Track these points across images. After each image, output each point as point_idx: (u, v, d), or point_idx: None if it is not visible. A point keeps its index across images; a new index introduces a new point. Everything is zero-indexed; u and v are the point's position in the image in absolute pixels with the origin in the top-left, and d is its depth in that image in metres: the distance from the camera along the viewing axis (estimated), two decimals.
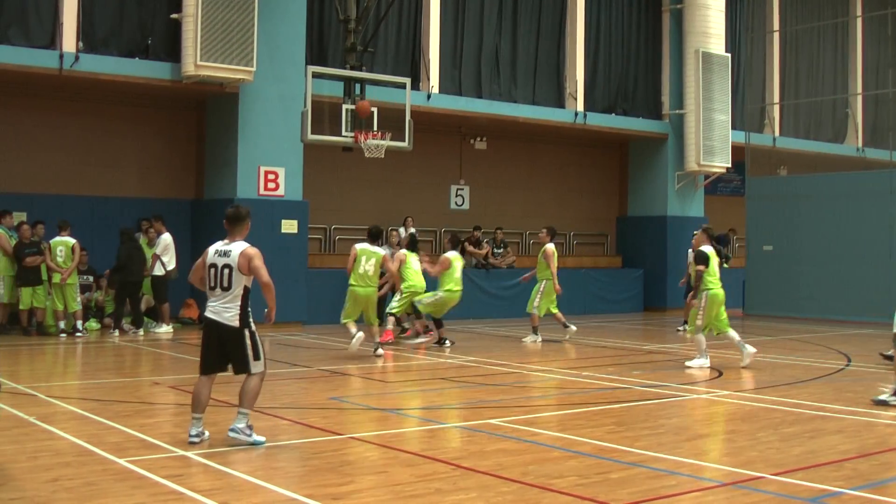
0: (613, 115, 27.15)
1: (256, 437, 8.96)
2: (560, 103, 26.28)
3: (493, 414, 11.01)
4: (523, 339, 19.29)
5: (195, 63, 19.41)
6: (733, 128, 28.16)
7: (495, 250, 25.58)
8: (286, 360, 15.60)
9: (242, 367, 9.13)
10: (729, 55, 27.68)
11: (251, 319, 9.14)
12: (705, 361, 15.41)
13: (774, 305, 26.91)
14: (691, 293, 16.37)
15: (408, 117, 21.94)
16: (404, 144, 21.94)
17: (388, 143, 21.58)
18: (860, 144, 32.58)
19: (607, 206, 29.46)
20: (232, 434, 8.94)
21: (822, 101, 31.62)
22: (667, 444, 9.69)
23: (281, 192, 21.27)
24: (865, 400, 12.28)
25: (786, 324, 24.54)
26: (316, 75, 21.19)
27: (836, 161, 31.77)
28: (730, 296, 27.88)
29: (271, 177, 21.22)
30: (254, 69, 20.08)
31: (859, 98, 32.58)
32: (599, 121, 26.69)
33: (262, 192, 21.00)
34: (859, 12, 32.54)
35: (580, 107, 26.32)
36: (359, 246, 16.19)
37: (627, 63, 27.86)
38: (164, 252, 19.84)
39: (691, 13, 27.32)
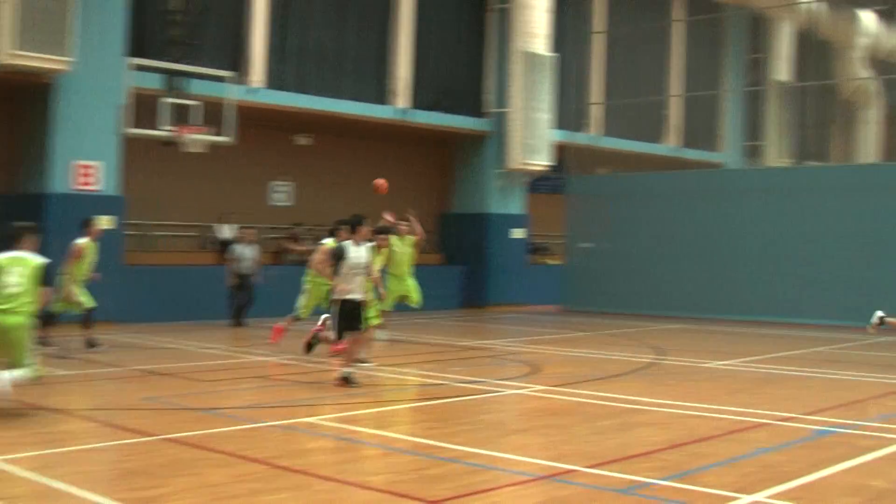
0: (437, 112, 27.27)
1: None
2: (384, 100, 26.27)
3: (310, 412, 10.91)
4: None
5: (9, 52, 18.63)
6: (555, 127, 28.63)
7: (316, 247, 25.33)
8: (99, 360, 15.14)
9: None
10: (553, 55, 28.11)
11: None
12: None
13: (591, 301, 27.50)
14: None
15: (230, 112, 21.59)
16: (227, 139, 21.58)
17: (209, 137, 21.16)
18: (676, 144, 33.56)
19: (430, 203, 29.57)
20: None
21: (642, 101, 32.46)
22: (484, 439, 9.76)
23: (97, 186, 20.62)
24: (672, 392, 12.65)
25: (602, 319, 25.08)
26: (136, 67, 20.63)
27: (654, 160, 32.67)
28: (547, 291, 28.74)
29: (87, 171, 20.54)
30: (71, 59, 19.39)
31: (677, 99, 33.56)
32: (423, 118, 26.78)
33: (76, 186, 20.31)
34: (679, 17, 33.51)
35: (404, 103, 26.36)
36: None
37: (452, 61, 28.04)
38: None
39: (517, 13, 27.63)
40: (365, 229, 13.30)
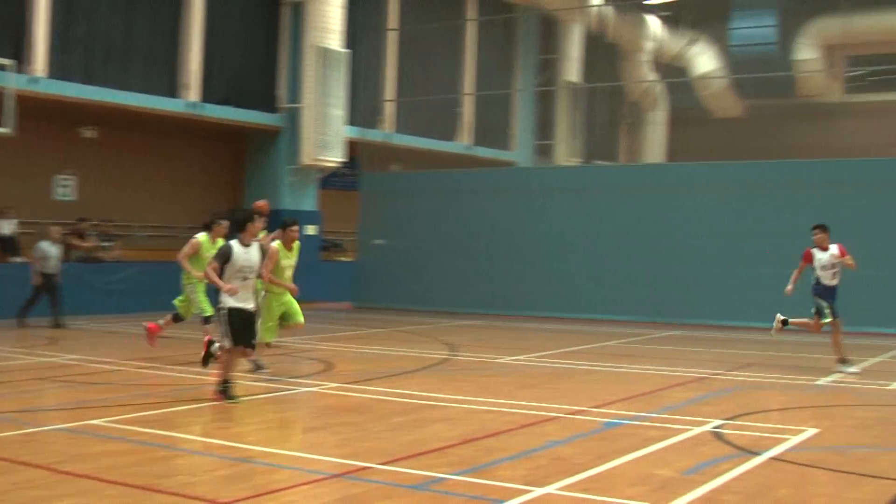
0: (229, 106, 26.77)
1: None
2: (175, 93, 25.60)
3: (97, 414, 10.49)
4: None
5: None
6: (349, 123, 28.53)
7: (102, 243, 24.53)
8: None
9: None
10: (347, 51, 27.99)
11: None
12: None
13: (385, 298, 27.54)
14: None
15: (10, 102, 20.64)
16: (6, 131, 20.64)
17: None
18: (469, 142, 33.95)
19: (222, 199, 29.01)
20: None
21: (436, 99, 32.69)
22: (277, 438, 9.60)
23: None
24: (465, 388, 12.75)
25: (396, 316, 25.15)
26: None
27: (447, 158, 32.96)
28: (340, 289, 28.65)
29: None
30: None
31: (470, 98, 33.94)
32: (215, 112, 26.23)
33: None
34: (472, 16, 33.89)
35: (195, 97, 25.76)
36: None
37: (245, 54, 27.56)
38: None
39: (310, 8, 27.35)
40: (256, 226, 12.18)
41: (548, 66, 35.84)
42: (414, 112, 32.30)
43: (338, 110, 27.70)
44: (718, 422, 10.63)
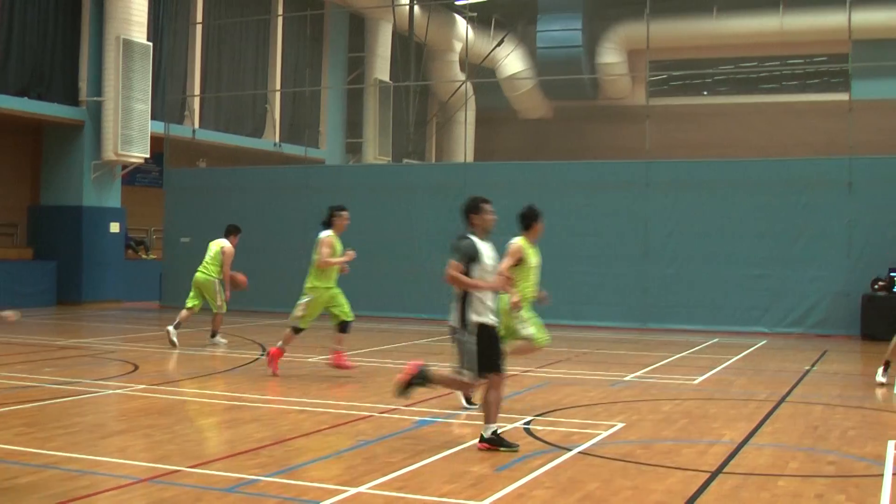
0: (27, 98, 25.74)
1: None
2: None
3: None
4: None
5: None
6: (154, 118, 27.84)
7: None
8: None
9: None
10: (151, 44, 27.31)
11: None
12: None
13: None
14: None
15: None
16: None
17: None
18: (277, 140, 33.62)
19: (18, 195, 27.91)
20: None
21: (243, 95, 32.23)
22: (81, 442, 9.24)
23: None
24: (277, 388, 12.59)
25: (206, 315, 24.59)
26: None
27: (255, 155, 32.55)
28: (147, 288, 27.96)
29: None
30: None
31: (278, 95, 33.61)
32: (11, 104, 25.20)
33: None
34: (280, 11, 33.55)
35: None
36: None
37: (45, 45, 26.52)
38: None
39: None
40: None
41: (357, 64, 35.80)
42: (221, 108, 31.79)
43: (142, 104, 27.01)
44: (529, 418, 10.78)
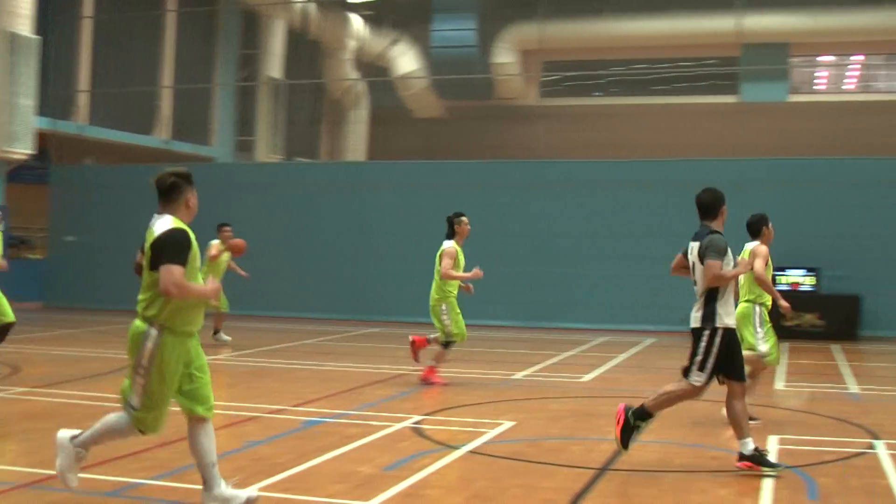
0: None
1: None
2: None
3: None
4: None
5: None
6: (39, 114, 27.17)
7: None
8: None
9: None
10: (38, 38, 26.62)
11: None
12: None
13: (78, 297, 26.48)
14: None
15: None
16: None
17: None
18: (167, 137, 33.09)
19: None
20: None
21: (133, 91, 31.65)
22: None
23: None
24: None
25: (90, 316, 24.19)
26: None
27: (144, 152, 31.98)
28: (29, 287, 27.30)
29: None
30: None
31: (168, 91, 33.08)
32: None
33: None
34: (172, 7, 33.02)
35: None
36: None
37: None
38: None
39: None
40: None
41: (249, 61, 35.41)
42: (110, 104, 31.17)
43: (27, 100, 26.30)
44: (418, 417, 10.77)
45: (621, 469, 8.55)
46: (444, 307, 13.56)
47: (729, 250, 8.71)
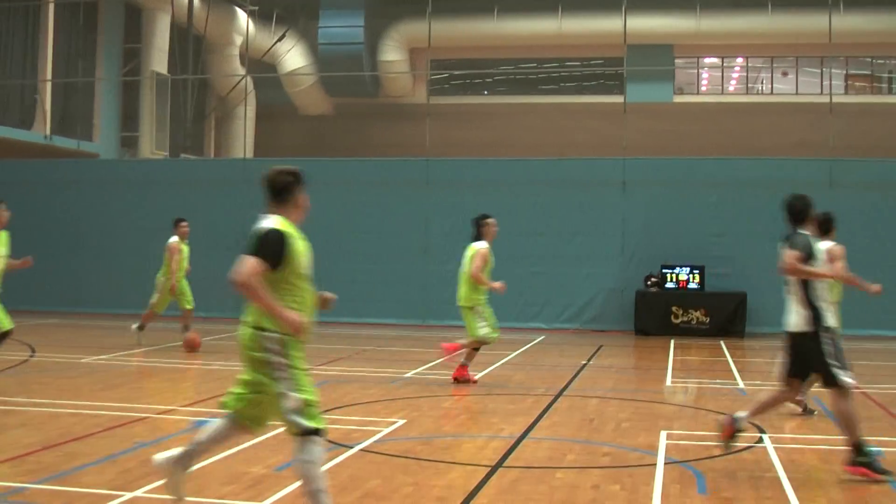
0: None
1: None
2: None
3: None
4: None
5: None
6: None
7: None
8: None
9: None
10: None
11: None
12: None
13: None
14: None
15: None
16: None
17: None
18: (48, 132, 32.30)
19: None
20: None
21: (11, 84, 30.81)
22: None
23: None
24: (46, 390, 12.08)
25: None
26: None
27: (23, 147, 31.16)
28: None
29: None
30: None
31: (48, 85, 32.29)
32: None
33: None
34: None
35: None
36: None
37: None
38: None
39: None
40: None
41: (133, 55, 34.75)
42: None
43: None
44: None
45: (514, 466, 8.57)
46: (477, 309, 13.60)
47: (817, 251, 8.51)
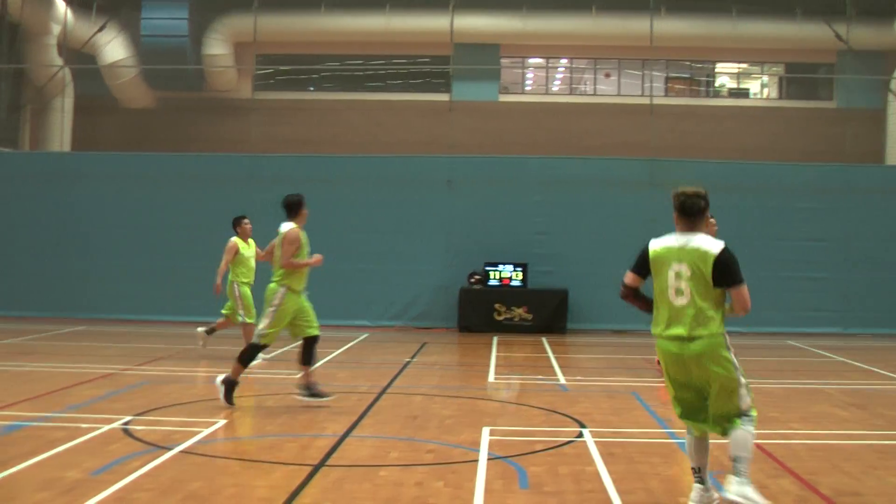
0: None
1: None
2: None
3: None
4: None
5: None
6: None
7: None
8: None
9: None
10: None
11: None
12: None
13: None
14: None
15: None
16: None
17: None
18: None
19: None
20: None
21: None
22: None
23: None
24: None
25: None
26: None
27: None
28: None
29: None
30: None
31: None
32: None
33: None
34: None
35: None
36: None
37: None
38: None
39: None
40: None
41: None
42: None
43: None
44: (128, 418, 10.40)
45: (337, 465, 8.53)
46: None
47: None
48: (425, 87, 35.34)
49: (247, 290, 15.87)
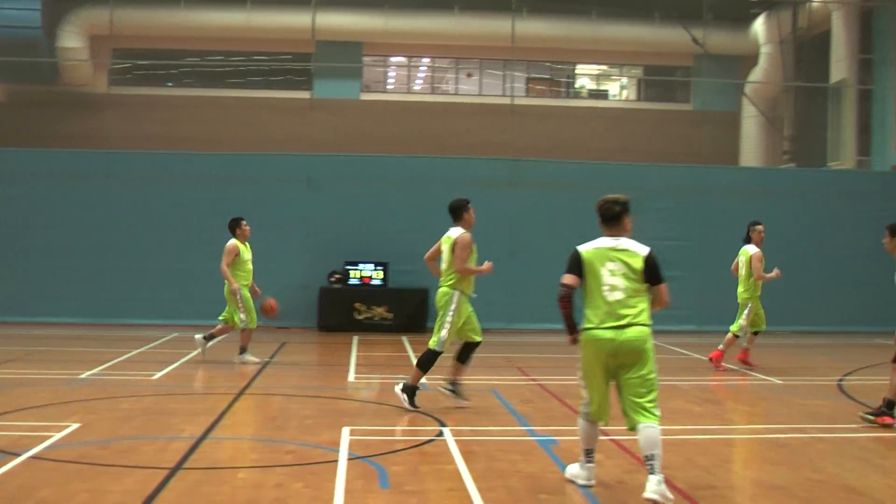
0: None
1: None
2: None
3: None
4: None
5: None
6: None
7: None
8: None
9: None
10: None
11: None
12: None
13: None
14: None
15: None
16: None
17: None
18: None
19: None
20: None
21: None
22: None
23: None
24: None
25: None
26: None
27: None
28: None
29: None
30: None
31: None
32: None
33: None
34: None
35: None
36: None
37: None
38: None
39: None
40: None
41: None
42: None
43: None
44: None
45: (195, 468, 8.40)
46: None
47: None
48: (286, 84, 35.09)
49: (247, 294, 15.73)
